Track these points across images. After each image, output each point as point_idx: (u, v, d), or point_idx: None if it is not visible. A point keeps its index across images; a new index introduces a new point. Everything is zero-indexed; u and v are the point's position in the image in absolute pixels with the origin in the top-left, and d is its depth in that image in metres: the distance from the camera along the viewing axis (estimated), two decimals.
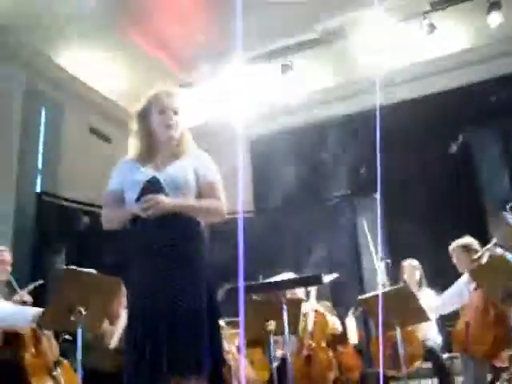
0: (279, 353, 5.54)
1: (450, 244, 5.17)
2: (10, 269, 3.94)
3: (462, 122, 9.10)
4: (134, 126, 2.83)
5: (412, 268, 5.66)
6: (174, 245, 2.52)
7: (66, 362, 3.78)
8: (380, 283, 5.76)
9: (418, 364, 5.08)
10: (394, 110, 8.72)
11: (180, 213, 2.58)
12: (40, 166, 8.85)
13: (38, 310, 3.54)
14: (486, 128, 9.04)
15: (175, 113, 2.74)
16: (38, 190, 8.63)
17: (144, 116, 2.78)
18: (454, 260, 5.10)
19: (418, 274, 5.63)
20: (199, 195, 2.69)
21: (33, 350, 3.55)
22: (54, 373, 3.56)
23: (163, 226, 2.53)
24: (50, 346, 3.74)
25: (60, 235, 8.18)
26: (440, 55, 9.24)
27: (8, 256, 3.98)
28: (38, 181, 8.75)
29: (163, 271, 2.49)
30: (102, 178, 9.03)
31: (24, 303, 3.80)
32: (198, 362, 2.36)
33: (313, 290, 5.78)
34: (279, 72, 9.08)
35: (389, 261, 6.23)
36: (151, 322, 2.44)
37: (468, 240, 5.03)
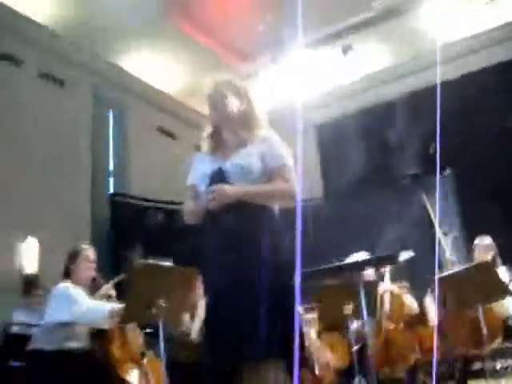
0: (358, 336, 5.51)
1: None
2: (94, 266, 4.08)
3: None
4: (206, 129, 2.86)
5: (485, 247, 5.43)
6: (243, 233, 2.53)
7: (150, 353, 3.88)
8: (448, 257, 5.61)
9: (498, 342, 4.92)
10: (459, 82, 8.50)
11: (247, 201, 2.56)
12: (111, 167, 9.13)
13: (116, 306, 3.63)
14: None
15: (222, 97, 2.74)
16: (111, 191, 8.90)
17: (209, 115, 2.83)
18: None
19: (491, 253, 5.40)
20: (270, 181, 2.64)
21: (118, 342, 3.66)
22: (141, 363, 3.66)
23: (232, 216, 2.54)
24: (135, 337, 3.84)
25: (134, 233, 8.41)
26: (499, 24, 8.89)
27: (93, 254, 4.12)
28: (111, 182, 9.03)
29: (233, 259, 2.50)
30: (170, 175, 9.26)
31: (109, 297, 3.92)
32: (267, 345, 2.37)
33: (387, 270, 5.70)
34: (340, 54, 8.97)
35: (456, 235, 6.02)
36: (222, 310, 2.48)
37: None
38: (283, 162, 2.66)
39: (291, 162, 2.69)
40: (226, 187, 2.57)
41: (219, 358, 2.45)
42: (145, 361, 3.69)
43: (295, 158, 2.77)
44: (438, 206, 4.06)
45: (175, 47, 8.97)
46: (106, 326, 3.61)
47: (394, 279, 5.92)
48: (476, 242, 5.48)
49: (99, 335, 3.71)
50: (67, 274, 4.03)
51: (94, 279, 4.09)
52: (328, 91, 10.10)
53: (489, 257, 5.25)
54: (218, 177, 2.65)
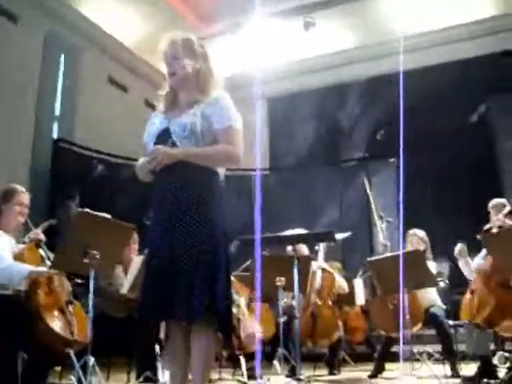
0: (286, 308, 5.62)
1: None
2: (27, 212, 3.94)
3: (484, 90, 8.95)
4: (164, 85, 2.82)
5: (418, 239, 5.58)
6: (184, 193, 2.52)
7: (77, 303, 3.82)
8: (379, 242, 5.75)
9: (419, 327, 5.12)
10: (415, 75, 8.63)
11: (190, 163, 2.54)
12: (57, 112, 8.87)
13: (38, 269, 3.55)
14: (509, 95, 8.84)
15: (174, 58, 2.68)
16: (55, 136, 8.66)
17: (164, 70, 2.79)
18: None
19: (423, 245, 5.54)
20: (215, 142, 2.62)
21: (46, 288, 3.59)
22: (66, 311, 3.61)
23: (173, 176, 2.54)
24: (62, 285, 3.77)
25: (75, 181, 8.25)
26: (467, 21, 9.04)
27: (28, 199, 3.98)
28: (55, 127, 8.78)
29: (174, 219, 2.51)
30: (118, 127, 9.08)
31: (38, 242, 3.81)
32: (195, 309, 2.39)
33: (321, 248, 5.79)
34: (301, 29, 8.94)
35: (390, 219, 6.18)
36: (161, 269, 2.49)
37: (500, 200, 4.85)
38: (229, 124, 2.63)
39: (239, 126, 2.66)
40: (163, 148, 2.56)
41: (150, 316, 2.46)
42: (70, 309, 3.63)
43: (250, 127, 2.76)
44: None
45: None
46: (22, 287, 3.51)
47: (327, 258, 6.03)
48: (410, 232, 5.62)
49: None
50: None
51: (24, 224, 3.96)
52: (285, 66, 10.07)
53: (421, 248, 5.40)
54: (164, 136, 2.64)
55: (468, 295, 4.56)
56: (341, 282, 5.82)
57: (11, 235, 3.84)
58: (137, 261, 4.33)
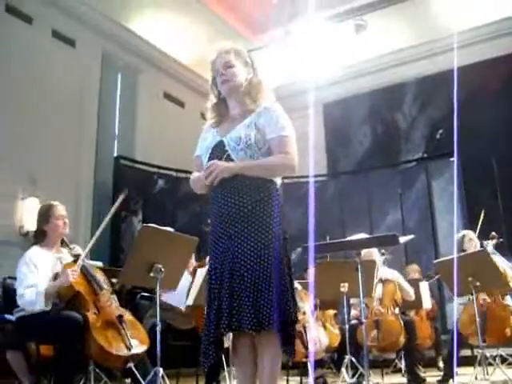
0: (352, 313, 5.56)
1: None
2: (67, 222, 3.99)
3: None
4: (210, 97, 2.84)
5: (466, 239, 5.40)
6: (242, 204, 2.53)
7: (128, 314, 3.85)
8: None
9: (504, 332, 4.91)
10: (472, 70, 8.43)
11: (245, 175, 2.54)
12: (117, 131, 9.11)
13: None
14: None
15: (226, 67, 2.69)
16: (115, 153, 8.89)
17: (214, 85, 2.80)
18: None
19: (473, 244, 5.36)
20: (269, 152, 2.61)
21: (94, 309, 3.63)
22: (119, 327, 3.64)
23: (230, 188, 2.54)
24: (109, 301, 3.82)
25: (137, 197, 8.44)
26: None
27: (64, 209, 4.01)
28: (115, 145, 9.02)
29: (234, 230, 2.50)
30: (177, 141, 9.24)
31: (77, 257, 3.85)
32: (261, 318, 2.38)
33: (382, 257, 5.67)
34: (353, 32, 8.88)
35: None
36: (220, 282, 2.50)
37: None
38: (283, 133, 2.62)
39: (292, 134, 2.65)
40: (220, 162, 2.56)
41: (217, 328, 2.47)
42: (123, 323, 3.68)
43: (303, 133, 2.75)
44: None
45: (189, 15, 8.91)
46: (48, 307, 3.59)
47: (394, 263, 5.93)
48: (459, 235, 5.46)
49: (73, 303, 3.70)
50: (39, 235, 3.94)
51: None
52: (339, 70, 10.02)
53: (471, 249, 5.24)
54: (218, 150, 2.64)
55: None
56: (407, 289, 5.69)
57: (54, 251, 3.92)
58: (201, 273, 4.37)
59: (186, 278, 4.46)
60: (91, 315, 3.63)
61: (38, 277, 3.67)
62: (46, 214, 3.94)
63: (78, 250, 3.99)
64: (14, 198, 6.93)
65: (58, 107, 7.64)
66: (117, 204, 3.92)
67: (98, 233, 3.85)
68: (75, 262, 3.82)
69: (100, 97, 8.59)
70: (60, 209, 4.00)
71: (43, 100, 7.45)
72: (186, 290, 4.56)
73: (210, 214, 2.68)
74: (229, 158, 2.60)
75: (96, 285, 3.80)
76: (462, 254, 4.99)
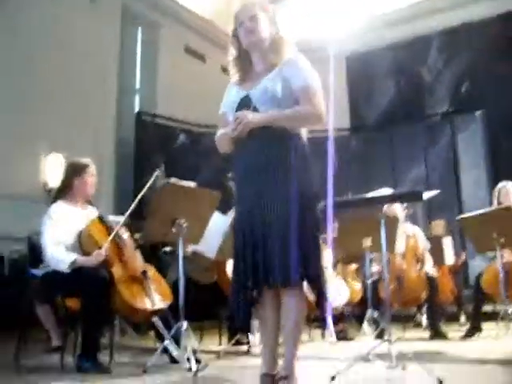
0: (374, 269, 5.56)
1: None
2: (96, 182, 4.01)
3: None
4: (231, 51, 2.79)
5: (505, 190, 5.28)
6: (270, 159, 2.50)
7: (152, 270, 3.89)
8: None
9: None
10: (497, 21, 8.18)
11: (272, 126, 2.52)
12: (138, 85, 9.07)
13: (78, 259, 3.58)
14: None
15: (252, 19, 2.64)
16: (137, 109, 8.88)
17: (235, 38, 2.75)
18: None
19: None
20: (296, 103, 2.58)
21: (119, 262, 3.67)
22: (144, 282, 3.69)
23: (257, 142, 2.53)
24: (134, 256, 3.85)
25: (158, 151, 8.45)
26: None
27: (95, 170, 4.05)
28: (137, 100, 9.00)
29: (262, 185, 2.50)
30: (198, 96, 9.17)
31: (101, 215, 3.86)
32: (288, 273, 2.39)
33: (404, 211, 5.63)
34: None
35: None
36: (251, 232, 2.50)
37: None
38: (308, 83, 2.59)
39: (317, 84, 2.62)
40: (247, 113, 2.54)
41: (244, 281, 2.49)
42: (148, 278, 3.72)
43: (325, 87, 2.71)
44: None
45: None
46: (66, 271, 3.62)
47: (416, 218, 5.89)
48: (499, 186, 5.35)
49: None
50: (65, 189, 3.93)
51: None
52: (362, 21, 9.79)
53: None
54: (245, 103, 2.61)
55: None
56: (424, 242, 5.68)
57: (80, 207, 3.93)
58: (220, 224, 4.34)
59: (220, 220, 4.42)
60: (116, 270, 3.66)
61: (63, 232, 3.70)
62: (79, 169, 3.93)
63: (108, 218, 3.99)
64: (36, 155, 6.99)
65: (77, 63, 7.61)
66: (151, 181, 3.89)
67: (133, 206, 3.84)
68: (101, 219, 3.85)
69: (121, 51, 8.54)
70: (93, 168, 4.00)
71: (63, 56, 7.42)
72: (219, 235, 4.50)
73: (235, 167, 2.67)
74: (256, 111, 2.57)
75: (120, 241, 3.83)
76: (487, 210, 4.92)
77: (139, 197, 3.83)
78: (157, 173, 3.92)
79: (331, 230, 5.15)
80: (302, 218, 2.49)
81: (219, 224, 4.37)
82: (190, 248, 4.60)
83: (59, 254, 3.63)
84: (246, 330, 3.23)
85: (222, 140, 2.68)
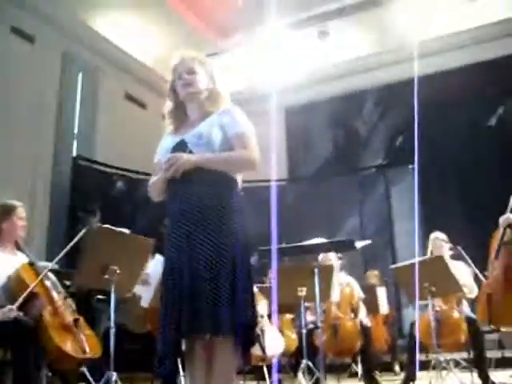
0: (309, 319, 5.57)
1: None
2: (26, 225, 3.89)
3: (502, 94, 8.86)
4: (167, 104, 2.84)
5: (439, 241, 5.45)
6: (203, 203, 2.50)
7: (81, 319, 3.78)
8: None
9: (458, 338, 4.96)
10: (432, 80, 8.57)
11: (206, 169, 2.53)
12: (76, 130, 8.96)
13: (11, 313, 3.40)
14: None
15: (190, 72, 2.72)
16: (74, 153, 8.74)
17: (171, 91, 2.80)
18: None
19: (446, 246, 5.41)
20: (232, 150, 2.62)
21: (50, 309, 3.56)
22: (74, 330, 3.58)
23: (190, 186, 2.52)
24: (66, 304, 3.74)
25: (95, 197, 8.31)
26: (479, 24, 8.96)
27: (24, 212, 3.92)
28: (75, 144, 8.87)
29: (193, 230, 2.48)
30: (137, 143, 9.12)
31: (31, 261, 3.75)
32: (220, 322, 2.35)
33: (339, 261, 5.71)
34: (316, 39, 8.94)
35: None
36: (180, 282, 2.45)
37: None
38: (242, 129, 2.65)
39: (251, 131, 2.68)
40: (180, 154, 2.56)
41: (177, 330, 2.42)
42: (78, 327, 3.61)
43: (264, 138, 2.77)
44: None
45: (152, 15, 8.82)
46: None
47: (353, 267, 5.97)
48: (432, 237, 5.51)
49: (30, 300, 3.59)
50: None
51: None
52: (301, 75, 10.06)
53: (443, 251, 5.28)
54: (180, 147, 2.64)
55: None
56: (359, 293, 5.76)
57: (8, 253, 3.81)
58: (154, 275, 4.29)
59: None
60: (46, 315, 3.54)
61: None
62: (7, 212, 3.82)
63: (39, 264, 3.86)
64: None
65: (15, 103, 7.47)
66: (78, 238, 3.81)
67: (62, 253, 3.76)
68: (31, 264, 3.73)
69: (60, 94, 8.44)
70: (22, 211, 3.90)
71: (1, 95, 7.28)
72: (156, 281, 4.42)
73: (168, 211, 2.64)
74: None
75: (50, 286, 3.71)
76: (419, 259, 5.04)
77: (71, 245, 3.74)
78: (88, 227, 3.86)
79: (268, 279, 5.16)
80: (233, 262, 2.48)
81: (159, 269, 4.31)
82: (136, 289, 4.49)
83: None
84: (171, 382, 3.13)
85: (154, 185, 2.69)
